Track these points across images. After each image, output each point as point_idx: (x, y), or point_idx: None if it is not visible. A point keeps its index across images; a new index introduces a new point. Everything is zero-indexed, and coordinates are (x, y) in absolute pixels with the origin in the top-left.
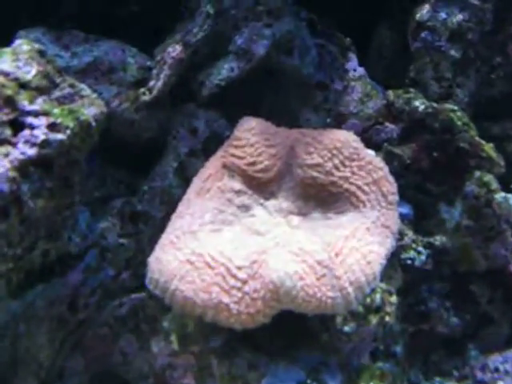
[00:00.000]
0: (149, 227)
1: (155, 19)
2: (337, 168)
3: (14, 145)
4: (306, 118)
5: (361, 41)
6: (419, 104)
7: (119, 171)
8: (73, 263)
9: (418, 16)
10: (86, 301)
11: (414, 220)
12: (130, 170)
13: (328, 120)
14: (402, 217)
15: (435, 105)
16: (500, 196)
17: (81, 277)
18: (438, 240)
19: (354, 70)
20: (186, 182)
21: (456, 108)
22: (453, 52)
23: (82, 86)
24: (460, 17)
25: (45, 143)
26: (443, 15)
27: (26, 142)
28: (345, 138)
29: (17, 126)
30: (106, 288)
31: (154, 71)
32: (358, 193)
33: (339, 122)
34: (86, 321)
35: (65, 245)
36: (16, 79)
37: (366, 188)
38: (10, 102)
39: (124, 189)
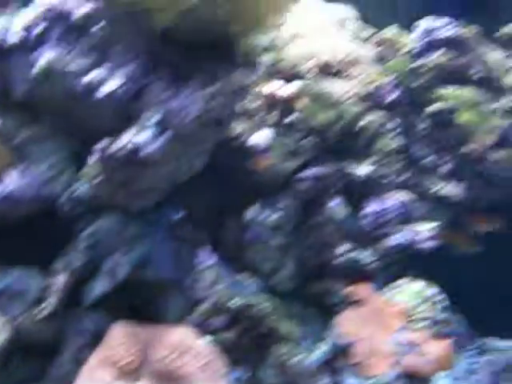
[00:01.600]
0: None
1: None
2: (178, 357)
3: None
4: (166, 313)
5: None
6: (238, 300)
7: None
8: None
9: (248, 215)
10: None
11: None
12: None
13: (184, 305)
14: (236, 379)
15: (249, 300)
16: (297, 359)
17: None
18: None
19: (206, 261)
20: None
21: (264, 298)
22: (276, 239)
23: None
24: (277, 214)
25: None
26: (266, 213)
27: None
28: (183, 333)
29: None
30: None
31: (48, 291)
32: (197, 373)
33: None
34: None
35: None
36: None
37: (201, 368)
38: None
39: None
